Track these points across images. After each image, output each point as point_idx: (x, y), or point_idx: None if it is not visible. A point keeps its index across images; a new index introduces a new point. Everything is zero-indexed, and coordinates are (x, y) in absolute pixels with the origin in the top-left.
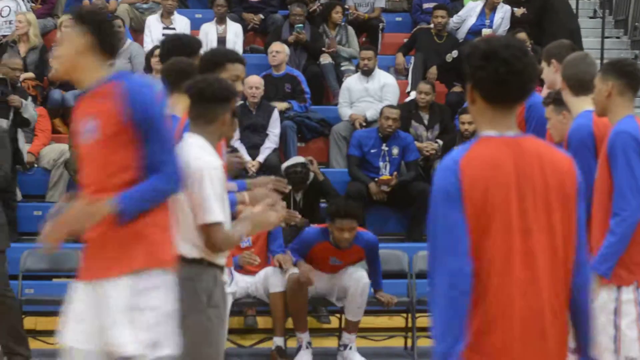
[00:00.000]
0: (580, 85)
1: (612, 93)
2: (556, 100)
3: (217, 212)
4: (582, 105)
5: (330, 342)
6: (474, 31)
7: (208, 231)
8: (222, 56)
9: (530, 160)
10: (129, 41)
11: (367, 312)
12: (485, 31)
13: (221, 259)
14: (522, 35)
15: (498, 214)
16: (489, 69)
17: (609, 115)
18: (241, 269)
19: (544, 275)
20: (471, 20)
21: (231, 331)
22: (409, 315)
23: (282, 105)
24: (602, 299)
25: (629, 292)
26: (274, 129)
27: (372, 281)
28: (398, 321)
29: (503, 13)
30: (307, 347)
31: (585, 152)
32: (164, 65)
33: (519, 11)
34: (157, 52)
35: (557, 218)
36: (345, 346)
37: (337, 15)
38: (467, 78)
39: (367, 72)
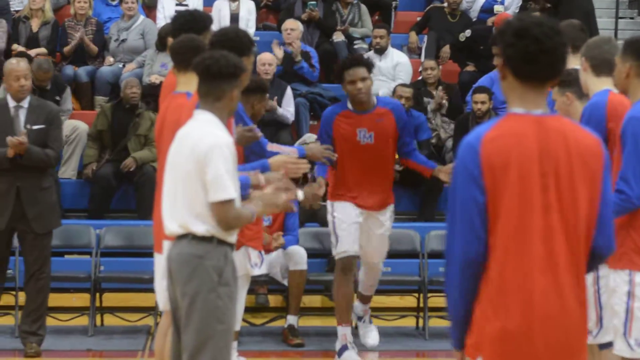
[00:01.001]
0: (603, 65)
1: (630, 74)
2: (561, 82)
3: (230, 189)
4: (603, 86)
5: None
6: (486, 9)
7: (221, 208)
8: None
9: (555, 138)
10: (141, 17)
11: (379, 292)
12: (497, 7)
13: (232, 237)
14: (536, 14)
15: (519, 190)
16: (519, 46)
17: (630, 95)
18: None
19: (562, 251)
20: None
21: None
22: (421, 295)
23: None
24: (615, 282)
25: None
26: (288, 106)
27: (421, 161)
28: (409, 301)
29: None
30: (352, 347)
31: (592, 126)
32: (174, 42)
33: None
34: None
35: (580, 196)
36: (360, 318)
37: None
38: (500, 54)
39: (380, 51)
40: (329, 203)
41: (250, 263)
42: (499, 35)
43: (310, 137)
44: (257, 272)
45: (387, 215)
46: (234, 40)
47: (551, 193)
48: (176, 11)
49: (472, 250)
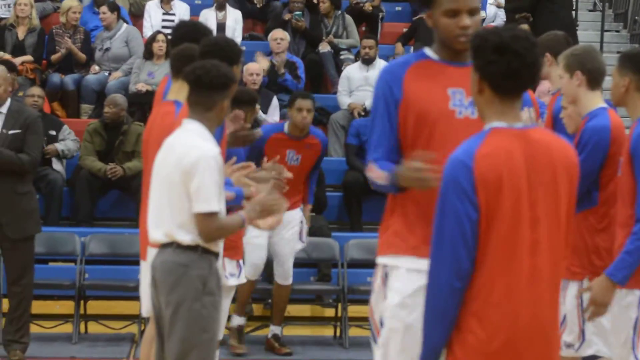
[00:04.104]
0: (600, 79)
1: (629, 88)
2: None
3: (214, 201)
4: (597, 100)
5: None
6: None
7: (203, 220)
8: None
9: (540, 151)
10: (124, 25)
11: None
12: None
13: (217, 246)
14: (525, 26)
15: (509, 205)
16: (502, 63)
17: (627, 109)
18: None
19: (546, 264)
20: None
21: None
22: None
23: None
24: (626, 301)
25: None
26: (274, 116)
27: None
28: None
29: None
30: None
31: (599, 155)
32: (173, 50)
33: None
34: (159, 37)
35: (563, 207)
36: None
37: (323, 4)
38: (476, 69)
39: (368, 61)
40: (379, 259)
41: (225, 273)
42: (475, 51)
43: None
44: (233, 282)
45: None
46: (224, 49)
47: (538, 207)
48: (163, 20)
49: (462, 265)
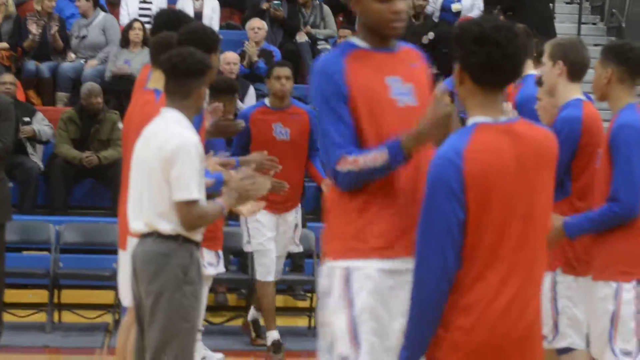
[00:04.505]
0: (581, 71)
1: (611, 80)
2: None
3: (194, 189)
4: (574, 92)
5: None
6: (446, 7)
7: (184, 208)
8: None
9: (527, 145)
10: (102, 14)
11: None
12: (455, 6)
13: (197, 235)
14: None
15: (499, 202)
16: (482, 54)
17: (609, 101)
18: None
19: (532, 257)
20: None
21: None
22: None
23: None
24: (603, 293)
25: (630, 290)
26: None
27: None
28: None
29: None
30: None
31: (570, 146)
32: (152, 38)
33: None
34: (135, 25)
35: (546, 198)
36: None
37: None
38: (457, 59)
39: None
40: (334, 263)
41: (204, 262)
42: (457, 41)
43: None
44: (212, 271)
45: None
46: (202, 37)
47: (527, 201)
48: (140, 8)
49: (449, 266)
